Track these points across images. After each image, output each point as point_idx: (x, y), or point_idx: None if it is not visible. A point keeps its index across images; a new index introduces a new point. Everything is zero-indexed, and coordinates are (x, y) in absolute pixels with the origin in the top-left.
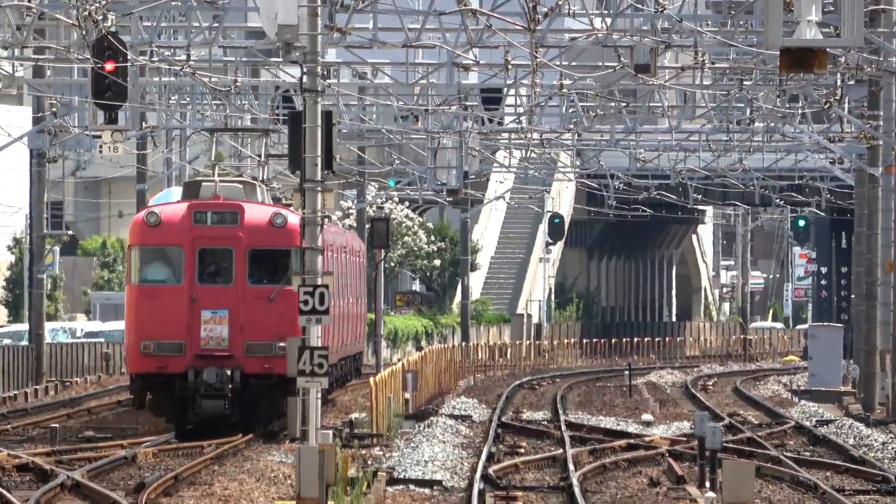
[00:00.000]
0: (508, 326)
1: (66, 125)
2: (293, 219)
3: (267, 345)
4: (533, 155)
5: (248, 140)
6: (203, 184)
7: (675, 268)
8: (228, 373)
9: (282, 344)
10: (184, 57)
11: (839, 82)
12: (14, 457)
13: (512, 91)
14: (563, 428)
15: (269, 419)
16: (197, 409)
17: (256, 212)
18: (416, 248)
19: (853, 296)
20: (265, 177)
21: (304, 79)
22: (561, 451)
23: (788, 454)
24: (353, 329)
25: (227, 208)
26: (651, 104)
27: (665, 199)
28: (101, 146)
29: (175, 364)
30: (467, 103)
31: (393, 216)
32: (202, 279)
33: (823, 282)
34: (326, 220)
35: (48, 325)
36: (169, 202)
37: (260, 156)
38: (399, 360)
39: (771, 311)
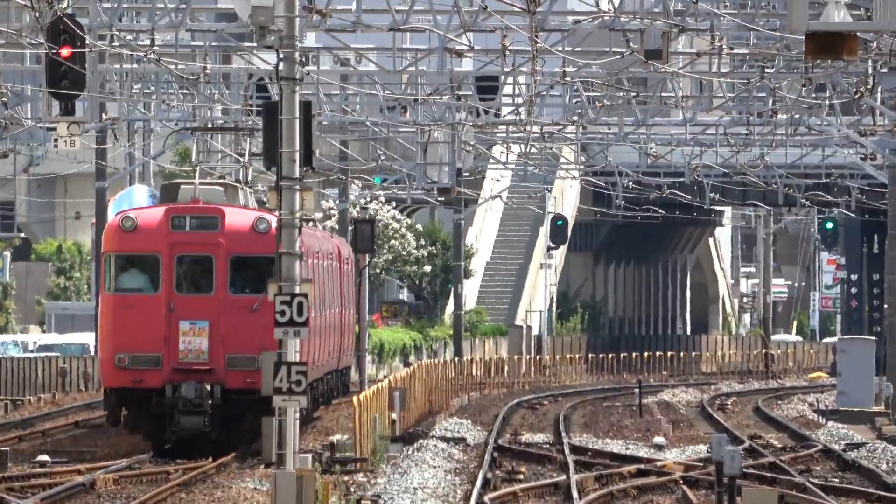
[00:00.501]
0: (506, 339)
1: (18, 117)
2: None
3: (249, 358)
4: (533, 150)
5: (226, 137)
6: (181, 186)
7: (689, 275)
8: (208, 388)
9: None
10: (147, 42)
11: (871, 70)
12: None
13: (510, 79)
14: (567, 452)
15: (252, 437)
16: (175, 426)
17: (238, 216)
18: (403, 253)
19: (886, 305)
20: (248, 179)
21: (281, 66)
22: (564, 477)
23: (815, 481)
24: (340, 341)
25: (206, 213)
26: (663, 94)
27: (679, 198)
28: (56, 140)
29: (152, 378)
30: (460, 93)
31: (378, 217)
32: (180, 288)
33: (854, 290)
34: (311, 223)
35: None
36: (146, 206)
37: (242, 156)
38: (385, 377)
39: (795, 323)
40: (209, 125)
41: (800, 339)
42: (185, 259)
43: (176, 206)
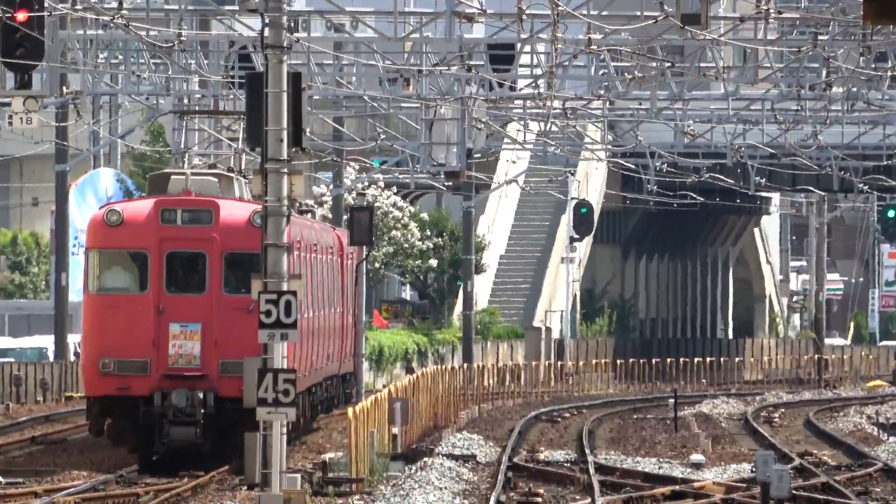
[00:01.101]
0: (522, 343)
1: None
2: None
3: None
4: (553, 128)
5: (204, 119)
6: (172, 177)
7: (731, 270)
8: (200, 395)
9: None
10: (115, 4)
11: None
12: None
13: (527, 48)
14: (592, 471)
15: None
16: (164, 437)
17: (233, 209)
18: (406, 246)
19: None
20: (241, 167)
21: (266, 32)
22: (588, 500)
23: None
24: (341, 344)
25: (199, 206)
26: (702, 64)
27: (719, 183)
28: (10, 117)
29: (139, 385)
30: (471, 63)
31: (377, 205)
32: (171, 287)
33: None
34: (309, 213)
35: None
36: (133, 199)
37: (235, 141)
38: (385, 386)
39: (852, 325)
40: (186, 100)
41: (840, 341)
42: (175, 256)
43: (166, 198)
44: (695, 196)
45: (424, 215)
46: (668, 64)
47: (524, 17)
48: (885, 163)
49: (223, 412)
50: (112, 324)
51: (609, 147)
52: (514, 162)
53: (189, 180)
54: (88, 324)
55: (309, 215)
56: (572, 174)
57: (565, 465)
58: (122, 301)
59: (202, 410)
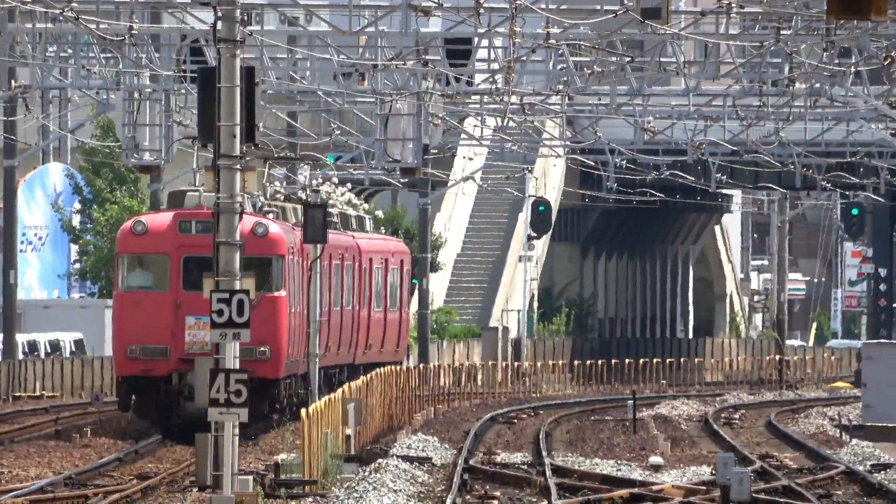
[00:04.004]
0: (479, 343)
1: None
2: (274, 228)
3: (248, 349)
4: (511, 124)
5: (154, 107)
6: (187, 193)
7: (692, 269)
8: None
9: (262, 349)
10: None
11: None
12: None
13: (485, 42)
14: (548, 473)
15: (249, 421)
16: (180, 410)
17: None
18: None
19: None
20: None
21: (219, 25)
22: (545, 503)
23: None
24: (392, 337)
25: (210, 218)
26: (662, 59)
27: (680, 180)
28: None
29: (160, 367)
30: (427, 57)
31: (332, 202)
32: (186, 286)
33: (882, 287)
34: (367, 228)
35: None
36: (156, 211)
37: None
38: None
39: (814, 325)
40: (136, 94)
41: (800, 343)
42: (190, 260)
43: (182, 211)
44: (655, 193)
45: (379, 213)
46: (628, 59)
47: (481, 10)
48: (849, 160)
49: None
50: (137, 316)
51: (568, 143)
52: (471, 158)
53: (202, 196)
54: (117, 316)
55: (368, 230)
56: (530, 171)
57: (522, 467)
58: (146, 297)
59: None
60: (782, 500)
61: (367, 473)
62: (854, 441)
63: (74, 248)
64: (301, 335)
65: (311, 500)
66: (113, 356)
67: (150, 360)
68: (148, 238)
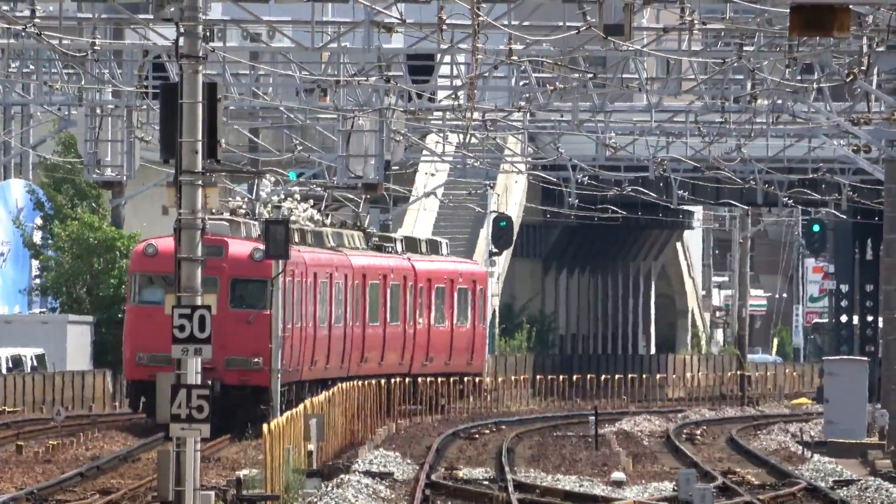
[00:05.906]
0: None
1: None
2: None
3: (244, 360)
4: (473, 140)
5: (117, 123)
6: None
7: (654, 285)
8: (210, 383)
9: (256, 360)
10: (27, 13)
11: (865, 49)
12: None
13: (447, 58)
14: (511, 489)
15: (245, 424)
16: None
17: (239, 246)
18: None
19: (881, 321)
20: (254, 211)
21: (181, 41)
22: None
23: None
24: (471, 349)
25: (214, 243)
26: (625, 76)
27: (642, 197)
28: None
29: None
30: (390, 74)
31: (293, 218)
32: None
33: (844, 303)
34: (443, 252)
35: None
36: (163, 239)
37: (252, 194)
38: (301, 402)
39: (776, 341)
40: (98, 110)
41: (780, 359)
42: None
43: None
44: (616, 210)
45: None
46: (591, 75)
47: (444, 27)
48: (811, 176)
49: (227, 396)
50: (146, 327)
51: (529, 160)
52: (432, 174)
53: (207, 223)
54: (129, 327)
55: (446, 254)
56: (492, 187)
57: (484, 483)
58: (155, 311)
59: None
60: None
61: (329, 489)
62: (816, 457)
63: (36, 263)
64: (300, 347)
65: None
66: (123, 362)
67: (157, 367)
68: (158, 259)
